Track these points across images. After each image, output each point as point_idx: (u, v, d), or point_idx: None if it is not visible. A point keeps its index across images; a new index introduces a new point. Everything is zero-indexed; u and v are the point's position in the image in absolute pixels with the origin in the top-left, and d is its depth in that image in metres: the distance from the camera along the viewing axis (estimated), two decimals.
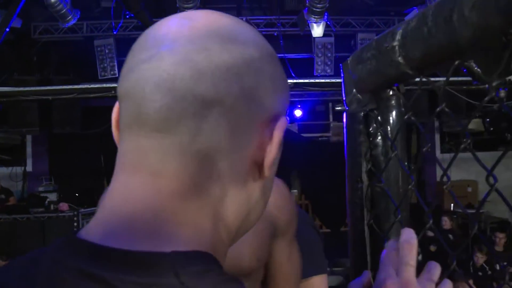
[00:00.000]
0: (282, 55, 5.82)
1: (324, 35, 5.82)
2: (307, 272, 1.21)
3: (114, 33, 5.63)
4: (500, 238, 5.51)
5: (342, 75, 0.75)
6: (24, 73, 6.26)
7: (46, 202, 6.83)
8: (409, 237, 0.60)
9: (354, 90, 0.72)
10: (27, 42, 6.09)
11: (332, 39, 6.23)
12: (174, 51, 0.44)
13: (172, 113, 0.43)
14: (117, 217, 0.43)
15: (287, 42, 6.08)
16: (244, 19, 6.41)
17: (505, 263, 5.10)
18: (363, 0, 5.96)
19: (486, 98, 0.49)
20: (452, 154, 7.90)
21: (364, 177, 0.71)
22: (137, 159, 0.45)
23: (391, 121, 0.71)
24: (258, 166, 0.47)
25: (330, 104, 8.18)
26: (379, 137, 0.71)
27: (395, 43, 0.60)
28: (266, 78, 0.47)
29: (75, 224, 5.97)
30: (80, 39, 6.14)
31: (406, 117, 0.65)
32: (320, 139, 8.36)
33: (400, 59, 0.59)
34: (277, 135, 0.47)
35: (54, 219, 6.46)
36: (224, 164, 0.45)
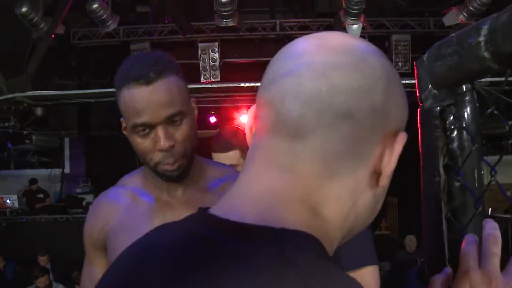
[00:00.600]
0: None
1: None
2: (358, 262, 1.20)
3: (153, 37, 5.74)
4: None
5: (416, 72, 0.77)
6: (63, 78, 6.46)
7: (84, 203, 7.01)
8: (492, 229, 0.61)
9: (430, 86, 0.74)
10: (66, 47, 6.27)
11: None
12: (312, 67, 0.50)
13: (308, 122, 0.49)
14: (242, 198, 0.51)
15: None
16: (277, 22, 6.46)
17: None
18: (396, 1, 5.92)
19: None
20: (489, 157, 7.73)
21: (441, 171, 0.73)
22: (270, 156, 0.52)
23: (466, 116, 0.73)
24: (377, 175, 0.53)
25: None
26: (455, 132, 0.72)
27: (481, 38, 0.61)
28: (391, 97, 0.52)
29: None
30: (117, 43, 6.30)
31: (489, 110, 0.66)
32: None
33: (486, 54, 0.61)
34: (397, 148, 0.53)
35: None
36: (346, 170, 0.51)
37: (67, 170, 7.99)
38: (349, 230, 0.55)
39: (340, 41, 0.53)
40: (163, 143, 1.07)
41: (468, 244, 0.64)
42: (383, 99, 0.51)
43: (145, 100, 1.04)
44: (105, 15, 4.96)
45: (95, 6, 4.74)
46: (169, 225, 0.57)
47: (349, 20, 4.99)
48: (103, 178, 7.52)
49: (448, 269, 0.65)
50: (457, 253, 0.71)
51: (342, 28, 5.21)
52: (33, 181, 7.42)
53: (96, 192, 7.34)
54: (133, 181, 1.28)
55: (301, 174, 0.50)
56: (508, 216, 6.49)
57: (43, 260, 5.83)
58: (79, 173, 7.76)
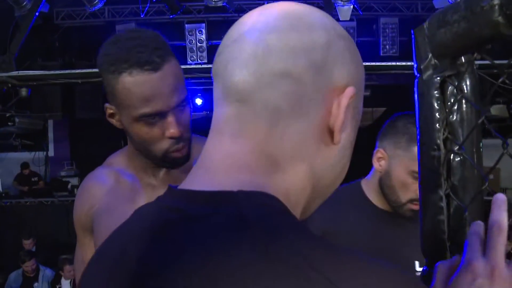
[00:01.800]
0: None
1: None
2: None
3: (142, 16, 5.63)
4: None
5: (414, 41, 0.73)
6: (47, 59, 6.32)
7: (69, 186, 6.94)
8: (499, 219, 0.58)
9: (430, 55, 0.70)
10: (50, 27, 6.13)
11: (354, 24, 6.15)
12: (252, 34, 0.52)
13: (249, 85, 0.51)
14: (203, 169, 0.54)
15: None
16: (265, 3, 6.37)
17: None
18: None
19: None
20: None
21: (441, 145, 0.69)
22: (222, 125, 0.54)
23: (466, 88, 0.69)
24: (330, 132, 0.53)
25: None
26: (457, 104, 0.69)
27: (496, 2, 0.57)
28: (334, 53, 0.53)
29: None
30: (102, 24, 6.17)
31: (500, 80, 0.63)
32: None
33: (500, 18, 0.57)
34: (343, 101, 0.52)
35: None
36: (293, 129, 0.52)
37: (51, 153, 7.87)
38: (315, 190, 0.55)
39: (281, 7, 0.54)
40: (175, 130, 1.03)
41: (472, 232, 0.61)
42: (323, 56, 0.52)
43: (155, 88, 0.99)
44: None
45: None
46: (146, 206, 0.58)
47: (340, 1, 4.93)
48: (88, 161, 7.44)
49: (456, 258, 0.62)
50: (456, 230, 0.69)
51: (333, 10, 5.15)
52: (25, 165, 7.27)
53: (81, 175, 7.25)
54: (117, 161, 1.26)
55: (252, 138, 0.52)
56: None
57: (27, 244, 5.77)
58: (63, 156, 7.65)
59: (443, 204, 0.69)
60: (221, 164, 0.52)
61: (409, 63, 5.95)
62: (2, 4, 4.97)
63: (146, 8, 5.84)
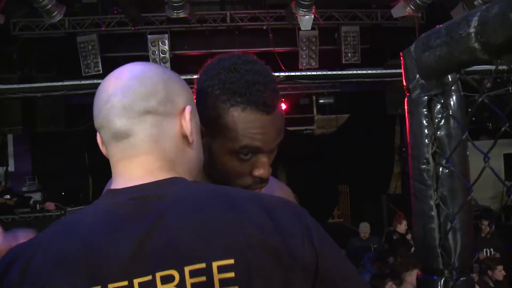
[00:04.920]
0: (272, 48, 5.84)
1: None
2: None
3: (102, 28, 5.56)
4: (485, 226, 5.69)
5: (403, 62, 0.78)
6: (5, 71, 6.13)
7: (31, 202, 6.72)
8: None
9: (418, 76, 0.76)
10: (7, 39, 5.96)
11: (316, 32, 6.27)
12: (116, 96, 0.78)
13: (128, 125, 0.77)
14: (126, 180, 0.79)
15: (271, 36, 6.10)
16: (227, 13, 6.41)
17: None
18: None
19: None
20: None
21: (430, 158, 0.75)
22: (127, 153, 0.79)
23: (452, 104, 0.75)
24: (186, 138, 0.82)
25: (314, 97, 8.26)
26: (443, 121, 0.75)
27: (472, 30, 0.63)
28: (170, 91, 0.81)
29: None
30: (62, 35, 6.05)
31: (480, 99, 0.69)
32: (304, 132, 8.45)
33: (476, 45, 0.63)
34: (187, 116, 0.82)
35: (40, 218, 6.37)
36: (170, 143, 0.80)
37: (11, 168, 7.62)
38: (199, 173, 0.90)
39: (130, 71, 0.81)
40: (266, 172, 1.01)
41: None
42: (164, 94, 0.79)
43: (264, 128, 0.98)
44: (50, 5, 4.73)
45: None
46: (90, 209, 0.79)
47: (301, 11, 5.03)
48: (50, 175, 7.29)
49: None
50: (446, 237, 0.74)
51: (294, 19, 5.25)
52: None
53: (44, 189, 7.05)
54: None
55: (149, 155, 0.79)
56: None
57: None
58: (24, 170, 7.42)
59: (434, 213, 0.75)
60: (140, 173, 0.79)
61: (369, 71, 6.12)
62: None
63: (106, 20, 5.77)
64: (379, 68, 6.58)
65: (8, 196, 6.76)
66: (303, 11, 4.99)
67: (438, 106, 0.75)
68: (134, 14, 5.04)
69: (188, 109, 0.81)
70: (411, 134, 0.78)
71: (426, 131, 0.75)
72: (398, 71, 5.89)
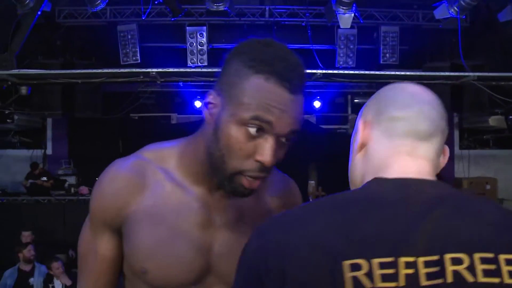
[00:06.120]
0: (310, 45, 5.80)
1: None
2: None
3: (143, 18, 5.65)
4: None
5: None
6: (47, 57, 6.33)
7: (66, 185, 6.93)
8: None
9: None
10: (51, 26, 6.14)
11: (355, 31, 6.20)
12: (420, 103, 0.85)
13: (431, 131, 0.83)
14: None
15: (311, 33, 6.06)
16: (267, 8, 6.41)
17: None
18: None
19: None
20: (470, 151, 7.84)
21: None
22: (411, 150, 0.83)
23: None
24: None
25: (349, 97, 8.15)
26: None
27: None
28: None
29: None
30: (103, 24, 6.19)
31: None
32: (338, 131, 8.36)
33: None
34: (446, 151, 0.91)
35: (74, 202, 6.56)
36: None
37: (49, 151, 7.86)
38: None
39: (426, 91, 0.88)
40: (268, 159, 0.93)
41: None
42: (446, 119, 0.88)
43: (282, 104, 0.91)
44: None
45: None
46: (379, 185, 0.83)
47: (341, 9, 4.97)
48: (86, 160, 7.47)
49: None
50: None
51: (333, 17, 5.19)
52: (34, 165, 7.19)
53: (79, 174, 7.25)
54: (161, 158, 1.09)
55: (426, 161, 0.85)
56: None
57: (26, 236, 5.71)
58: (61, 154, 7.64)
59: None
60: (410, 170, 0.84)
61: (408, 73, 5.99)
62: (4, 2, 4.99)
63: (148, 10, 5.86)
64: (417, 70, 6.43)
65: (45, 178, 7.00)
66: (343, 8, 4.92)
67: None
68: (173, 5, 5.09)
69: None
70: None
71: None
72: (437, 73, 5.75)
